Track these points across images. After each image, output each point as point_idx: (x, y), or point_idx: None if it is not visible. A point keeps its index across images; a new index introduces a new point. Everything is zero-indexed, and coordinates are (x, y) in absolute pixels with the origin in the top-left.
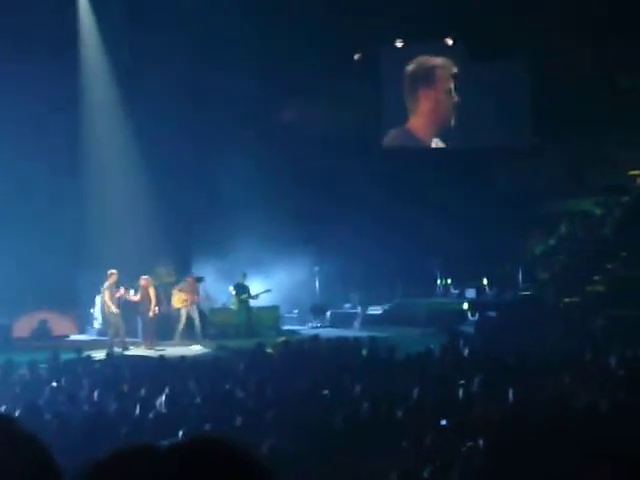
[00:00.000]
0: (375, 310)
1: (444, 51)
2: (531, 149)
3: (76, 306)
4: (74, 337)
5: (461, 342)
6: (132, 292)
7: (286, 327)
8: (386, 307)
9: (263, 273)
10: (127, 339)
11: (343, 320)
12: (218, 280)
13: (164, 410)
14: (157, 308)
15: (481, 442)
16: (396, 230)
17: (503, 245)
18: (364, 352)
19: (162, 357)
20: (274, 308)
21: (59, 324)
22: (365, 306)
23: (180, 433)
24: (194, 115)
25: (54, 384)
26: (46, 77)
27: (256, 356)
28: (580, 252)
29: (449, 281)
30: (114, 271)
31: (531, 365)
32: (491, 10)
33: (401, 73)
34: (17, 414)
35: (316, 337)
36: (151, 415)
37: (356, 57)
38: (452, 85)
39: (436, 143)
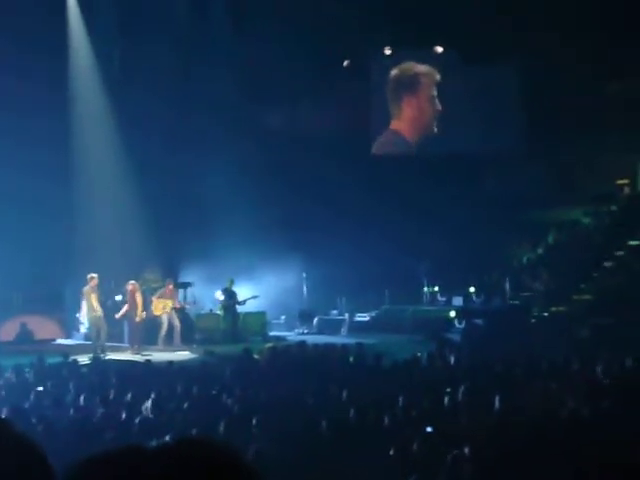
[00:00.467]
0: (362, 317)
1: (434, 58)
2: (520, 156)
3: (62, 310)
4: (60, 341)
5: (448, 350)
6: (119, 297)
7: (273, 333)
8: (373, 314)
9: (250, 279)
10: (114, 343)
11: (330, 326)
12: (205, 285)
13: (150, 415)
14: (144, 313)
15: (467, 450)
16: (384, 237)
17: (491, 253)
18: (351, 359)
19: (148, 362)
20: (261, 314)
21: (45, 328)
22: (352, 313)
23: (166, 438)
24: (182, 122)
25: (40, 388)
26: (36, 86)
27: (243, 362)
28: (567, 261)
29: (436, 288)
30: (94, 275)
31: (518, 373)
32: (482, 16)
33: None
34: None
35: (303, 343)
36: (137, 420)
37: (345, 64)
38: (435, 93)
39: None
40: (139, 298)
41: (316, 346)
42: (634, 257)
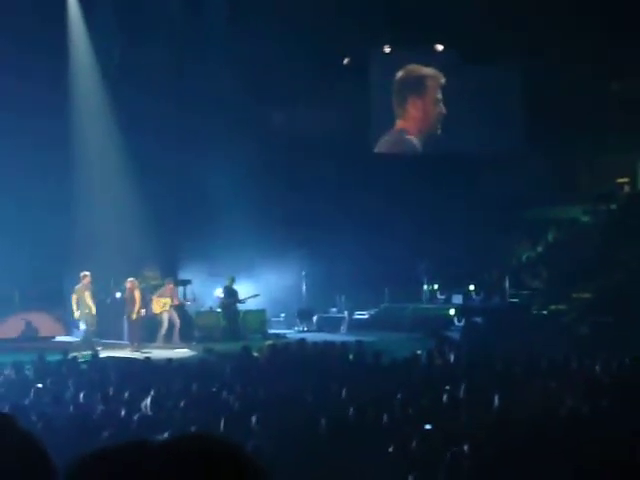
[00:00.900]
0: (362, 315)
1: (434, 57)
2: (520, 155)
3: (62, 308)
4: (60, 338)
5: (447, 348)
6: (118, 294)
7: (272, 331)
8: (373, 312)
9: (250, 277)
10: (114, 341)
11: (330, 324)
12: (205, 283)
13: (149, 412)
14: (143, 311)
15: (466, 448)
16: (384, 235)
17: (490, 251)
18: (350, 357)
19: (148, 359)
20: (261, 312)
21: (45, 325)
22: (352, 311)
23: (165, 435)
24: (183, 119)
25: (39, 385)
26: (35, 83)
27: (242, 359)
28: (567, 259)
29: (436, 287)
30: (87, 273)
31: (517, 371)
32: (482, 15)
33: (390, 78)
34: None
35: (302, 341)
36: (136, 417)
37: (345, 61)
38: (440, 96)
39: (423, 147)
40: (138, 296)
41: (315, 344)
42: (633, 256)
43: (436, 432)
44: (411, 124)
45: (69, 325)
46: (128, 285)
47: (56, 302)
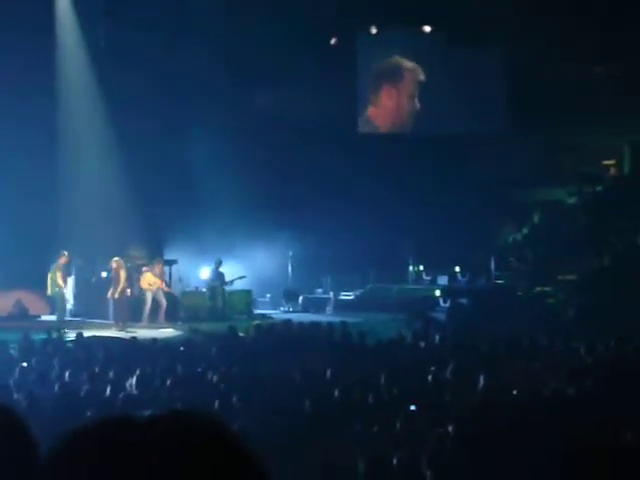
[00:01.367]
0: (347, 295)
1: (420, 38)
2: (506, 137)
3: (47, 287)
4: (45, 317)
5: (433, 329)
6: (104, 274)
7: (258, 311)
8: (358, 293)
9: (236, 257)
10: (99, 320)
11: (315, 305)
12: (190, 263)
13: (135, 392)
14: (128, 290)
15: (451, 428)
16: (369, 216)
17: (476, 233)
18: (336, 337)
19: (133, 339)
20: (246, 292)
21: (31, 304)
22: (337, 291)
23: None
24: (168, 100)
25: (24, 364)
26: (21, 65)
27: (228, 340)
28: (552, 241)
29: (421, 267)
30: (65, 252)
31: (502, 353)
32: None
33: (377, 59)
34: None
35: (288, 321)
36: (121, 396)
37: (332, 42)
38: (416, 92)
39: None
40: (123, 275)
41: (301, 324)
42: (619, 238)
43: (421, 413)
44: (381, 113)
45: (54, 304)
46: (114, 265)
47: (41, 281)
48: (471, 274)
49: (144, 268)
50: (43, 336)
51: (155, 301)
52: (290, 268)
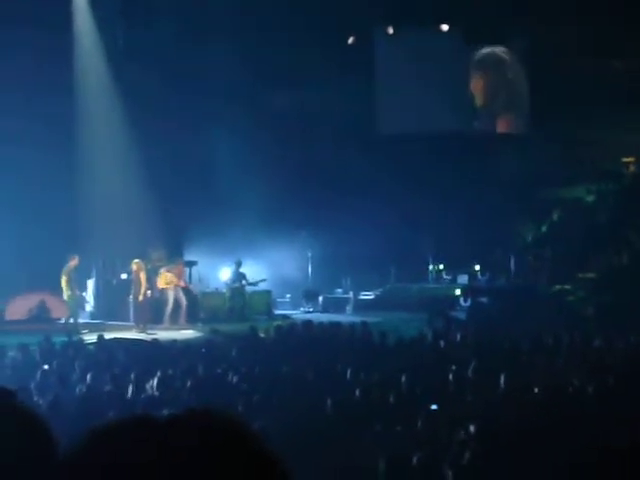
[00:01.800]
0: (367, 295)
1: (439, 37)
2: (526, 134)
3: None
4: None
5: (453, 328)
6: (124, 275)
7: (278, 312)
8: (378, 292)
9: (255, 258)
10: (120, 322)
11: (335, 305)
12: (210, 264)
13: (156, 393)
14: (148, 292)
15: (472, 427)
16: (389, 216)
17: (496, 231)
18: (356, 337)
19: (154, 340)
20: (266, 293)
21: (52, 307)
22: (357, 291)
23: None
24: (186, 100)
25: (46, 367)
26: (40, 64)
27: (249, 340)
28: (572, 239)
29: (441, 267)
30: (75, 256)
31: (523, 351)
32: None
33: (395, 58)
34: None
35: (309, 322)
36: (142, 398)
37: (350, 41)
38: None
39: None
40: (143, 277)
41: (321, 325)
42: (638, 235)
43: (442, 412)
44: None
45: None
46: (134, 267)
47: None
48: (491, 273)
49: (162, 269)
50: (64, 338)
51: (176, 301)
52: (310, 268)
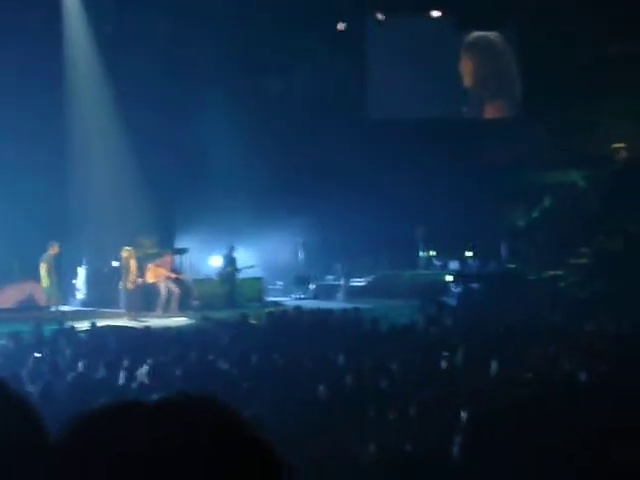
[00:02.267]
0: (358, 282)
1: (429, 23)
2: (517, 119)
3: (58, 277)
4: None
5: (444, 314)
6: (116, 263)
7: (270, 299)
8: (369, 279)
9: (247, 245)
10: (111, 310)
11: (327, 292)
12: (201, 251)
13: (147, 381)
14: (139, 280)
15: (464, 414)
16: (379, 202)
17: (487, 217)
18: (348, 323)
19: (146, 328)
20: (258, 280)
21: (43, 295)
22: (348, 278)
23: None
24: (178, 86)
25: (37, 354)
26: (28, 50)
27: (240, 327)
28: (564, 224)
29: (433, 253)
30: (55, 244)
31: (514, 337)
32: None
33: (386, 43)
34: None
35: (300, 309)
36: (134, 385)
37: (339, 26)
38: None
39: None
40: (134, 265)
41: (313, 311)
42: (631, 220)
43: (434, 398)
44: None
45: (66, 294)
46: (124, 254)
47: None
48: (482, 259)
49: (149, 264)
50: (56, 326)
51: (167, 291)
52: (301, 255)
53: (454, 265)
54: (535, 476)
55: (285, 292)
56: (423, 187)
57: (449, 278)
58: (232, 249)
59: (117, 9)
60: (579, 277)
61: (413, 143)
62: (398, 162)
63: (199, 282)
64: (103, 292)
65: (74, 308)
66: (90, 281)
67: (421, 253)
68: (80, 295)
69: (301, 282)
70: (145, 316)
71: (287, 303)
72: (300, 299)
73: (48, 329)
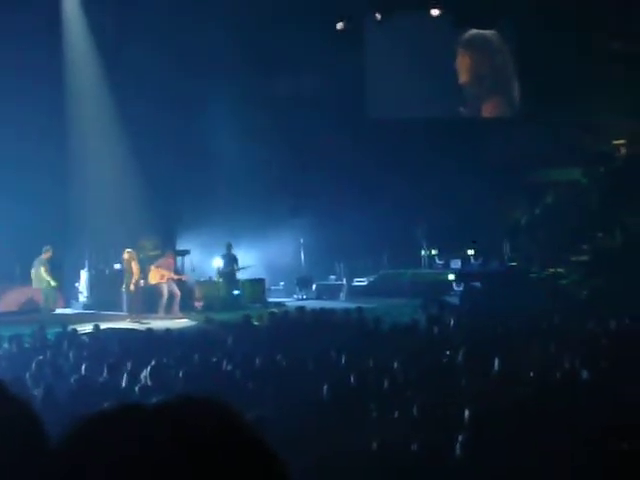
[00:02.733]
0: (360, 282)
1: (428, 22)
2: (517, 117)
3: (60, 279)
4: (59, 311)
5: (447, 312)
6: (117, 265)
7: (272, 299)
8: (371, 278)
9: (249, 246)
10: (113, 312)
11: (329, 292)
12: (203, 252)
13: (150, 383)
14: (141, 282)
15: (466, 412)
16: (381, 201)
17: (488, 215)
18: (350, 323)
19: (147, 330)
20: (260, 281)
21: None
22: (350, 278)
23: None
24: (179, 87)
25: (40, 357)
26: (27, 47)
27: (243, 328)
28: (565, 222)
29: (434, 252)
30: (49, 248)
31: (516, 335)
32: None
33: (386, 42)
34: None
35: (302, 309)
36: (137, 388)
37: (339, 26)
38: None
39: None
40: (136, 267)
41: (315, 311)
42: (632, 217)
43: (437, 397)
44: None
45: (68, 297)
46: (126, 256)
47: (55, 274)
48: (484, 257)
49: (151, 266)
50: (58, 329)
51: (170, 293)
52: (303, 255)
53: (456, 264)
54: (536, 475)
55: (287, 293)
56: (424, 186)
57: (451, 277)
58: (230, 246)
59: (118, 4)
60: (581, 275)
61: (414, 142)
62: (399, 161)
63: (202, 284)
64: (105, 294)
65: (76, 311)
66: (92, 284)
67: (422, 252)
68: (82, 298)
69: (303, 283)
70: (147, 318)
71: (289, 304)
72: (302, 300)
73: (50, 332)
